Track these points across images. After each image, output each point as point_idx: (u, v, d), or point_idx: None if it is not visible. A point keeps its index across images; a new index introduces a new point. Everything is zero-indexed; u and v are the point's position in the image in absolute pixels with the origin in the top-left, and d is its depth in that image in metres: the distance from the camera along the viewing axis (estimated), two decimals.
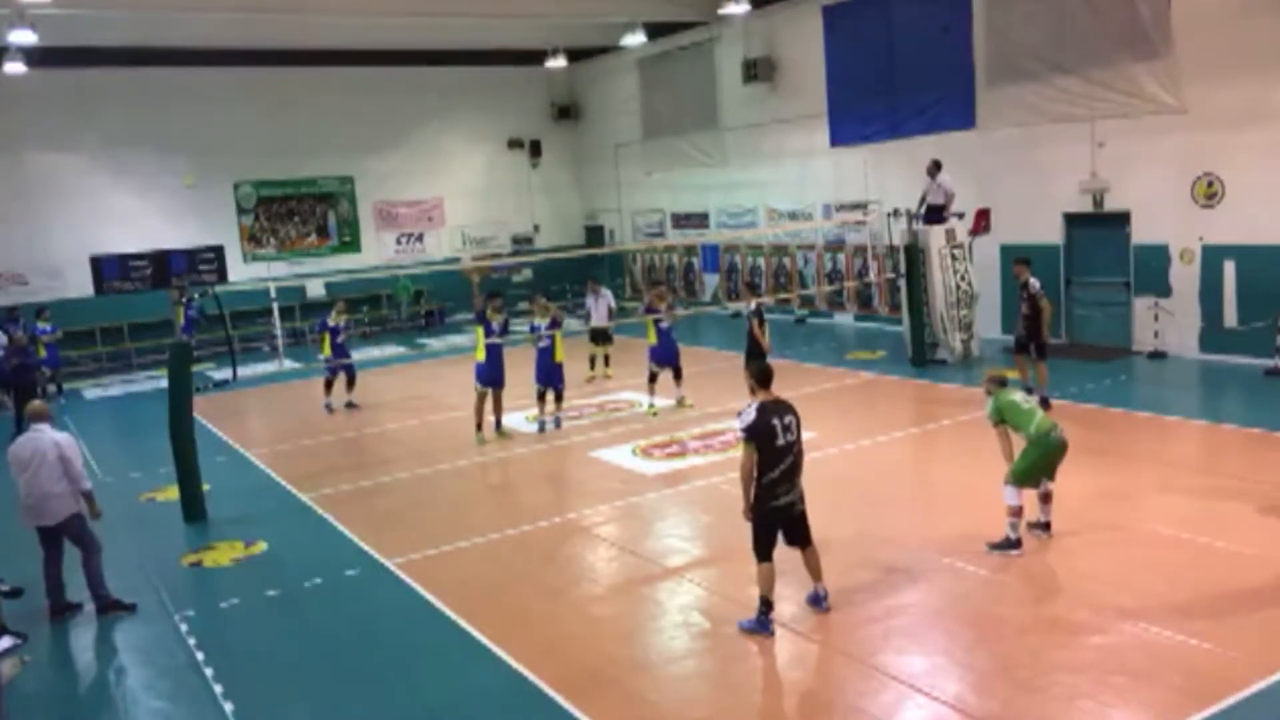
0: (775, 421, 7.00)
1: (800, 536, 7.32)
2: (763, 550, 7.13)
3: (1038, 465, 8.15)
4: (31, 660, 7.66)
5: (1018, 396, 8.38)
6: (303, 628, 8.08)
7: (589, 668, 6.97)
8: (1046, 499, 8.47)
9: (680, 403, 14.27)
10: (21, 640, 7.96)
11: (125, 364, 22.58)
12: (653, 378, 14.29)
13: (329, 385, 15.94)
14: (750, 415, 7.00)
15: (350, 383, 16.06)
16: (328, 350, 15.78)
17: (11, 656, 6.43)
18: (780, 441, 6.98)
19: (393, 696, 6.78)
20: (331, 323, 15.78)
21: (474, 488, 11.72)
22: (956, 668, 6.59)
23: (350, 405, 15.97)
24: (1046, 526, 8.49)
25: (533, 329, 13.62)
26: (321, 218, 25.59)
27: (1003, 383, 8.50)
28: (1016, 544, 8.15)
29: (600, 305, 16.96)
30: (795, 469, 7.11)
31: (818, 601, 7.46)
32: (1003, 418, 8.24)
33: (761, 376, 7.26)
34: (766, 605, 7.14)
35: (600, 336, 17.04)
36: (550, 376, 13.49)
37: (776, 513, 7.12)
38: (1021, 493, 8.16)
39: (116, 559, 9.70)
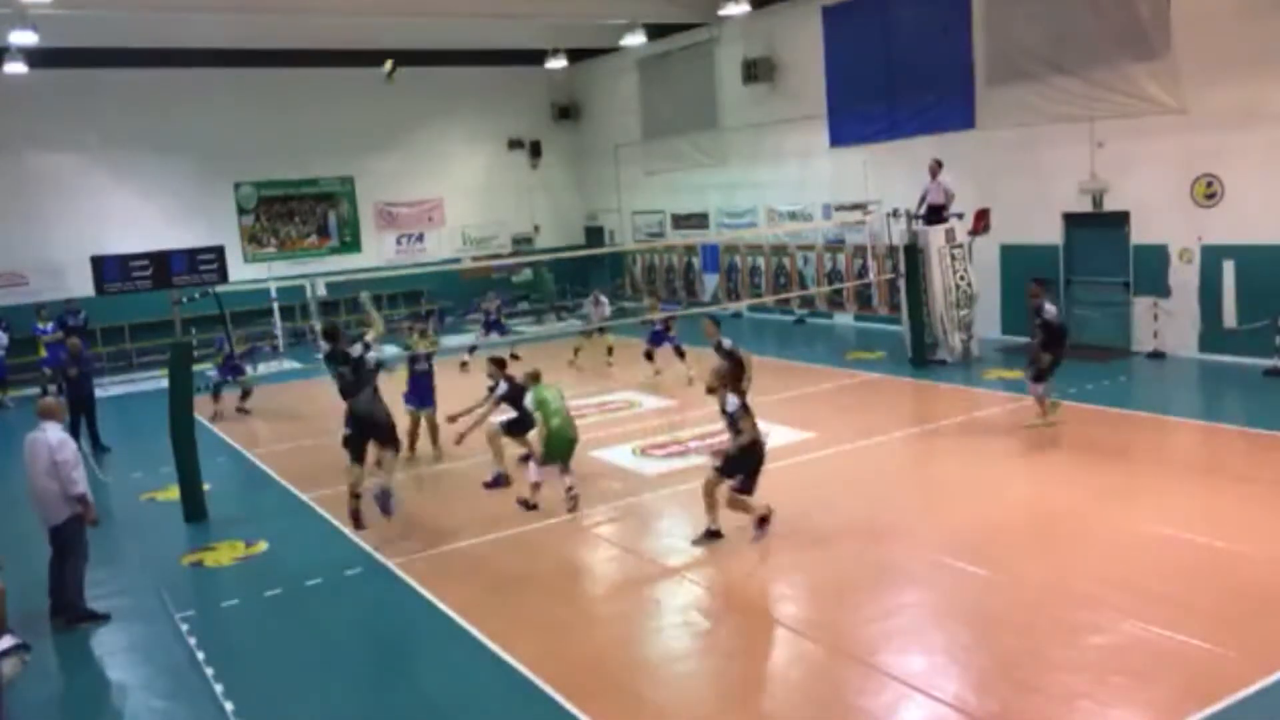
0: None
1: None
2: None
3: (555, 452, 10.11)
4: (32, 659, 7.66)
5: (549, 395, 10.19)
6: (303, 628, 8.09)
7: (589, 667, 6.98)
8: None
9: (691, 382, 15.08)
10: (22, 640, 7.95)
11: (126, 364, 22.58)
12: (649, 355, 16.63)
13: (217, 394, 16.09)
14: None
15: (244, 394, 16.35)
16: (220, 360, 16.19)
17: (12, 656, 6.42)
18: None
19: (393, 696, 6.79)
20: (239, 348, 16.49)
21: (474, 487, 11.70)
22: (956, 668, 6.60)
23: (241, 410, 16.21)
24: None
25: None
26: (322, 218, 25.59)
27: (536, 376, 10.61)
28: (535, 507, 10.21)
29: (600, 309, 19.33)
30: None
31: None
32: (538, 408, 10.16)
33: None
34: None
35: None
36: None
37: None
38: (542, 471, 10.21)
39: (117, 559, 9.76)
